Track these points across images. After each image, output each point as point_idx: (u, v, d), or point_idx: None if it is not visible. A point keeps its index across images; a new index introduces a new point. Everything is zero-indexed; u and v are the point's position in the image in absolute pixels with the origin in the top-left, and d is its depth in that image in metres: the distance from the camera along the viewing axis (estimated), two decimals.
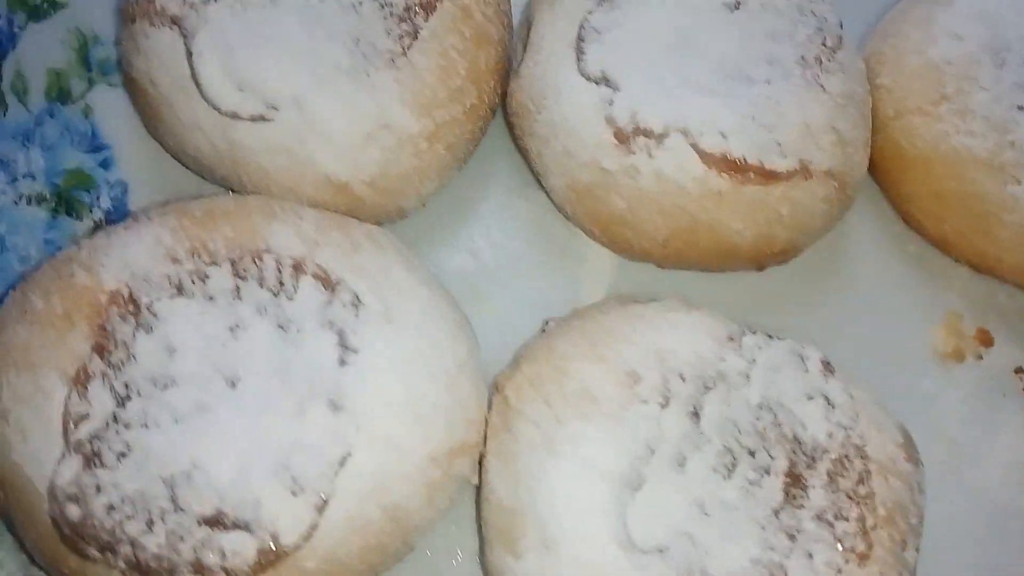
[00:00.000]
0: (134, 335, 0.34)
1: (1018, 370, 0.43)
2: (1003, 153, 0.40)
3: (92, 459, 0.32)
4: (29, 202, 0.44)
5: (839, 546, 0.34)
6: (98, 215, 0.44)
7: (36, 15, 0.47)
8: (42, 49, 0.46)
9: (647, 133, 0.39)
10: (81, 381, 0.33)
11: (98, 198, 0.44)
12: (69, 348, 0.34)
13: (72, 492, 0.32)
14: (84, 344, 0.34)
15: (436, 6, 0.40)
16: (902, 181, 0.44)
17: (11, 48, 0.46)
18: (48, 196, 0.44)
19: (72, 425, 0.33)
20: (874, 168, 0.44)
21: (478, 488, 0.37)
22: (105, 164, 0.45)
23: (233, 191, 0.42)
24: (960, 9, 0.42)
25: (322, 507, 0.32)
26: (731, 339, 0.37)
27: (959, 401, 0.43)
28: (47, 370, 0.33)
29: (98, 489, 0.31)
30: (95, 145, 0.45)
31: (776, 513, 0.34)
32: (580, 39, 0.41)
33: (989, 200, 0.41)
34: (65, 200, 0.44)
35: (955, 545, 0.40)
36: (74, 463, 0.32)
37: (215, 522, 0.31)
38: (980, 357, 0.43)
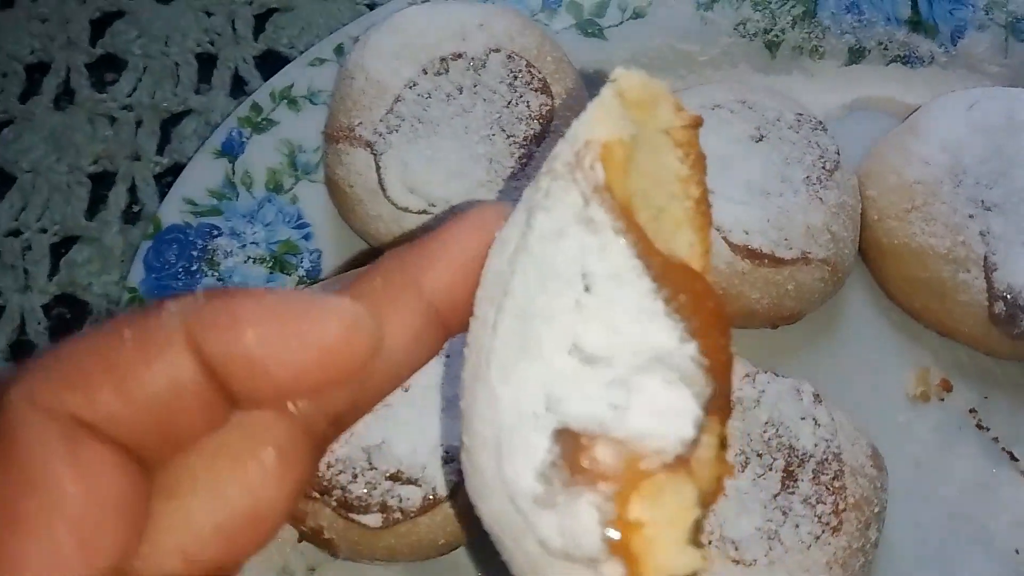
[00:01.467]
0: None
1: (972, 410, 0.55)
2: (956, 250, 0.53)
3: None
4: (255, 262, 0.62)
5: (818, 520, 0.47)
6: (301, 272, 0.61)
7: (258, 129, 0.66)
8: (262, 154, 0.64)
9: None
10: None
11: (301, 261, 0.62)
12: None
13: None
14: None
15: (544, 138, 0.57)
16: (883, 267, 0.58)
17: (241, 152, 0.65)
18: (267, 258, 0.62)
19: None
20: (863, 257, 0.58)
21: None
22: (306, 237, 0.63)
23: None
24: (928, 140, 0.56)
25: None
26: (747, 376, 0.51)
27: (926, 432, 0.55)
28: None
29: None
30: (299, 224, 0.63)
31: (774, 497, 0.48)
32: None
33: (946, 284, 0.54)
34: (279, 261, 0.62)
35: (920, 543, 0.52)
36: None
37: (396, 478, 0.48)
38: (942, 399, 0.56)
